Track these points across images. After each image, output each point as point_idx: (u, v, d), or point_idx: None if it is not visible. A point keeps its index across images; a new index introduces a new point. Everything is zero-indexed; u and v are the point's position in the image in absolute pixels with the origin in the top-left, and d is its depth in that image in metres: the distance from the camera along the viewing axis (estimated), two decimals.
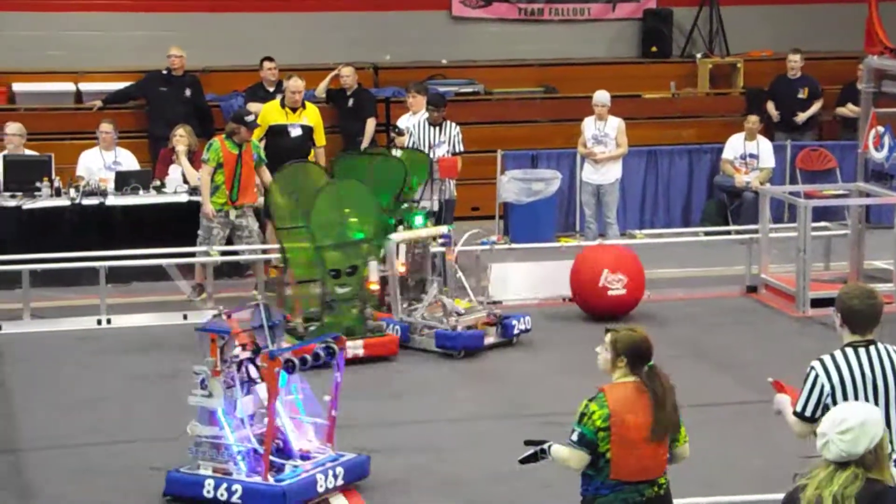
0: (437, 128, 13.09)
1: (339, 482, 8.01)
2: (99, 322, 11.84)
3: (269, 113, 13.19)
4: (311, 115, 13.20)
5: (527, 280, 12.44)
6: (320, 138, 13.22)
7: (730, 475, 8.34)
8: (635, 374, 5.77)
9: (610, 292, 11.67)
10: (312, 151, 13.61)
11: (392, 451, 8.89)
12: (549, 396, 9.84)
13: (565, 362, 10.69)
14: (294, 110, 13.09)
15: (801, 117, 16.09)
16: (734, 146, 15.25)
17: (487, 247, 12.48)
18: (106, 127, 13.99)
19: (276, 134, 13.10)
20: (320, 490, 7.87)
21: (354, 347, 10.48)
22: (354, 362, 10.32)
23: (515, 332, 11.23)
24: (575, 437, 5.75)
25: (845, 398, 5.80)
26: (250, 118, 12.74)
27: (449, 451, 8.95)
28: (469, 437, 9.23)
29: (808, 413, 5.86)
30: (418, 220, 11.51)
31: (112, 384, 10.33)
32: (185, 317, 12.03)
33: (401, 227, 11.42)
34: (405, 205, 11.69)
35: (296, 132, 13.08)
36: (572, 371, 10.30)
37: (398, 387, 10.31)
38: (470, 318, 11.07)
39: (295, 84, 13.15)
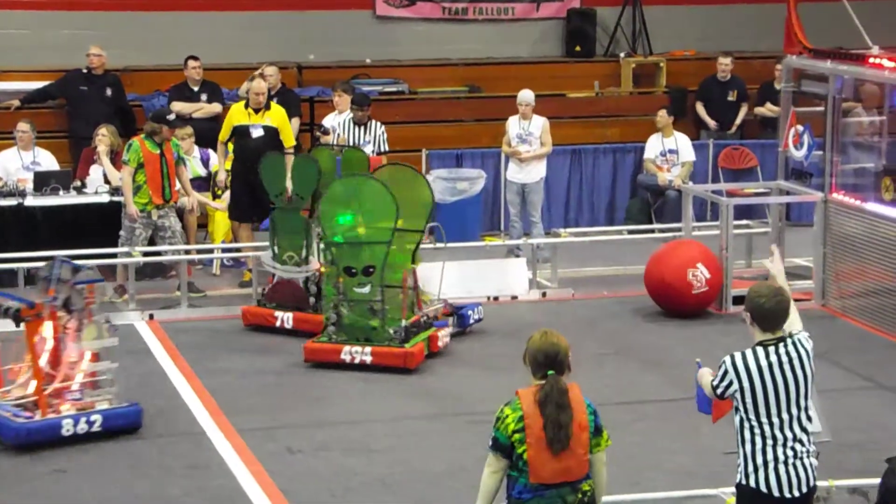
0: (363, 127, 13.05)
1: (95, 429, 8.95)
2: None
3: (234, 114, 13.13)
4: (276, 117, 13.10)
5: (454, 279, 12.41)
6: (288, 139, 13.09)
7: (655, 472, 8.39)
8: (537, 379, 5.78)
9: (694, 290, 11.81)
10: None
11: (322, 451, 8.87)
12: (478, 397, 9.86)
13: (495, 363, 10.72)
14: (257, 111, 13.01)
15: (735, 126, 16.27)
16: (653, 145, 15.37)
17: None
18: (23, 126, 13.81)
19: (239, 135, 13.03)
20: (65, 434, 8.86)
21: (362, 354, 10.43)
22: (361, 368, 10.35)
23: (470, 321, 11.48)
24: (491, 441, 5.77)
25: (753, 395, 5.91)
26: (171, 117, 12.68)
27: (381, 451, 8.93)
28: (401, 437, 9.20)
29: (718, 392, 6.04)
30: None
31: None
32: (106, 319, 11.87)
33: (319, 229, 11.29)
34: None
35: (257, 133, 12.99)
36: (503, 370, 10.35)
37: (327, 388, 10.27)
38: (431, 310, 11.14)
39: (258, 85, 13.08)
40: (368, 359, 10.46)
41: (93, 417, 9.05)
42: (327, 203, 10.77)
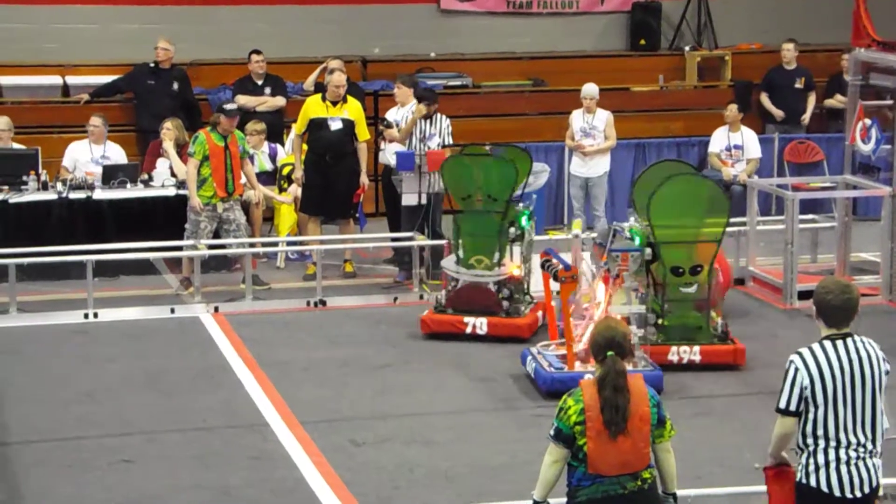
0: (429, 121, 13.08)
1: None
2: (86, 316, 11.81)
3: (310, 106, 13.21)
4: (353, 110, 13.19)
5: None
6: (363, 132, 13.21)
7: (718, 468, 8.35)
8: (598, 363, 5.81)
9: None
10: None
11: (385, 444, 8.92)
12: (534, 389, 9.87)
13: None
14: (335, 104, 13.11)
15: (806, 118, 16.13)
16: (719, 139, 15.26)
17: None
18: (96, 121, 13.98)
19: (316, 127, 13.11)
20: None
21: (690, 353, 10.38)
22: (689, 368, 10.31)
23: None
24: (552, 431, 5.79)
25: (824, 391, 5.87)
26: (229, 106, 12.73)
27: (443, 444, 8.96)
28: (463, 429, 9.23)
29: (791, 408, 5.93)
30: (523, 220, 11.41)
31: (100, 378, 10.31)
32: (172, 310, 12.04)
33: (512, 229, 11.31)
34: (520, 205, 11.58)
35: (336, 126, 13.09)
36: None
37: (389, 381, 10.31)
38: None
39: (339, 78, 13.16)
40: (697, 358, 10.35)
41: None
42: (657, 206, 10.40)
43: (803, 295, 11.76)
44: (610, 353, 5.77)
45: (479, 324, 11.08)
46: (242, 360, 10.75)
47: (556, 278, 9.81)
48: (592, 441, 5.71)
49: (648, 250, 10.35)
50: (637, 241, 10.41)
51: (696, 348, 10.34)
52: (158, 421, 9.39)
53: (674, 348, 10.34)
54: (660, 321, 10.41)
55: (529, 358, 10.03)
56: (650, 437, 5.79)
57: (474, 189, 11.44)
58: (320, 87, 14.18)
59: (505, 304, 11.26)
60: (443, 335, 11.14)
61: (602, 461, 5.72)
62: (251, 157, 13.22)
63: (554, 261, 10.03)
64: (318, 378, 10.33)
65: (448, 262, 11.50)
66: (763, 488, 6.28)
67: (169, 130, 13.79)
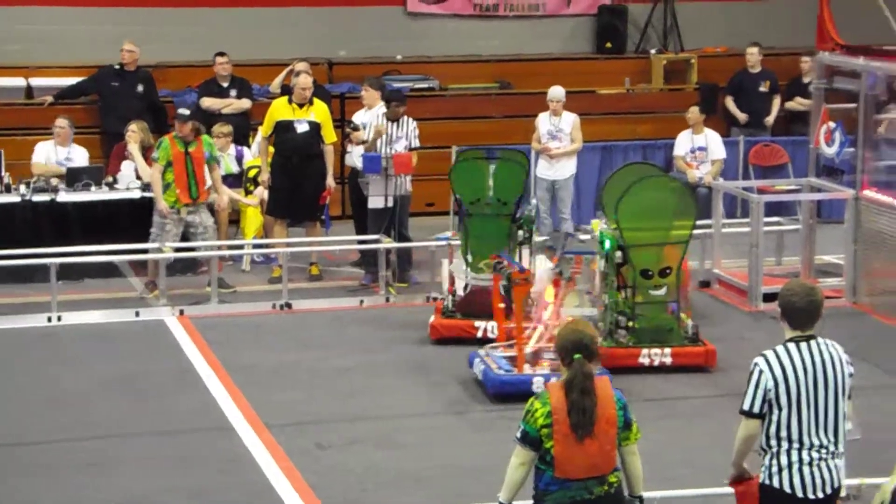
0: (395, 123, 13.06)
1: None
2: (49, 319, 11.74)
3: (276, 109, 13.19)
4: (319, 112, 13.18)
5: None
6: (329, 135, 13.20)
7: (686, 469, 8.37)
8: (565, 366, 5.81)
9: None
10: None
11: (352, 446, 8.90)
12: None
13: None
14: (301, 106, 13.09)
15: (770, 120, 16.21)
16: (683, 142, 15.31)
17: (443, 242, 12.49)
18: (62, 122, 13.91)
19: (283, 129, 13.09)
20: None
21: (662, 355, 10.37)
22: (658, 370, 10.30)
23: None
24: (519, 434, 5.79)
25: (788, 393, 5.91)
26: (182, 111, 12.67)
27: (411, 446, 8.95)
28: (430, 432, 9.23)
29: (755, 410, 5.96)
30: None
31: (65, 382, 10.25)
32: (137, 314, 11.98)
33: (520, 232, 11.27)
34: (529, 208, 11.61)
35: (302, 128, 13.07)
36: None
37: (356, 384, 10.29)
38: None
39: (305, 80, 13.15)
40: (669, 360, 10.35)
41: None
42: (626, 209, 10.41)
43: (768, 297, 11.81)
44: (577, 355, 5.77)
45: (490, 328, 10.94)
46: (208, 363, 10.71)
47: (509, 281, 9.80)
48: (559, 444, 5.71)
49: (619, 253, 10.38)
50: (607, 244, 10.44)
51: (668, 350, 10.36)
52: (125, 425, 9.34)
53: (645, 350, 10.36)
54: (630, 324, 10.42)
55: (478, 360, 9.96)
56: (616, 440, 5.79)
57: (484, 192, 11.42)
58: (286, 90, 14.15)
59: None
60: (452, 340, 11.01)
61: (569, 464, 5.72)
62: (218, 162, 13.17)
63: (506, 263, 10.03)
64: (285, 381, 10.30)
65: (457, 267, 11.45)
66: (730, 490, 6.31)
67: (134, 133, 13.72)
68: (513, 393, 9.40)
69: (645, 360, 10.35)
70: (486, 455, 8.47)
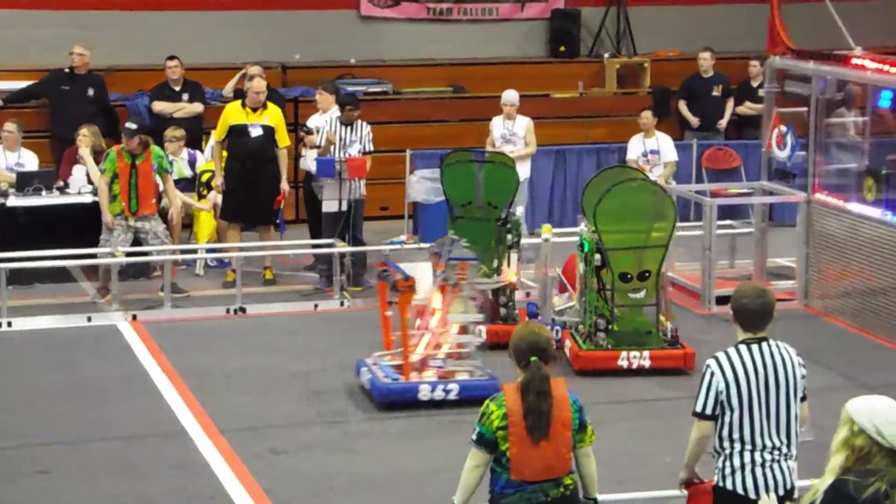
0: (349, 127, 13.04)
1: (452, 397, 9.45)
2: (0, 325, 11.62)
3: (230, 113, 13.13)
4: (273, 116, 13.13)
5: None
6: (283, 139, 13.15)
7: (641, 472, 8.40)
8: (521, 369, 5.79)
9: None
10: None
11: (305, 451, 8.87)
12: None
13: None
14: (255, 110, 13.03)
15: (723, 123, 16.31)
16: (635, 146, 15.37)
17: (397, 246, 12.47)
18: (10, 126, 13.79)
19: (236, 134, 13.03)
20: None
21: (640, 358, 10.33)
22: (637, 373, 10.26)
23: None
24: (474, 436, 5.77)
25: (739, 394, 5.94)
26: (129, 125, 12.54)
27: (364, 451, 8.93)
28: (384, 436, 9.21)
29: (707, 411, 5.99)
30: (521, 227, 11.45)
31: (16, 388, 10.16)
32: (89, 319, 11.89)
33: (509, 236, 11.28)
34: (517, 212, 11.60)
35: (256, 132, 13.02)
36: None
37: (309, 389, 10.25)
38: None
39: (259, 84, 13.10)
40: (647, 363, 10.34)
41: (450, 386, 9.48)
42: (605, 212, 10.41)
43: (721, 300, 11.86)
44: (533, 357, 5.76)
45: (479, 332, 10.86)
46: (161, 368, 10.64)
47: (394, 288, 9.72)
48: (515, 446, 5.70)
49: (598, 256, 10.40)
50: (586, 247, 10.45)
51: (646, 353, 10.38)
52: (77, 430, 9.27)
53: (624, 353, 10.38)
54: (610, 326, 10.45)
55: (364, 369, 9.86)
56: (572, 443, 5.79)
57: (474, 195, 11.39)
58: (240, 94, 14.10)
59: (502, 311, 11.21)
60: None
61: (525, 466, 5.72)
62: (169, 171, 13.05)
63: (391, 270, 9.95)
64: (238, 386, 10.25)
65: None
66: (682, 493, 6.33)
67: (85, 137, 13.62)
68: (399, 401, 9.43)
69: (623, 363, 10.37)
70: (440, 458, 8.46)
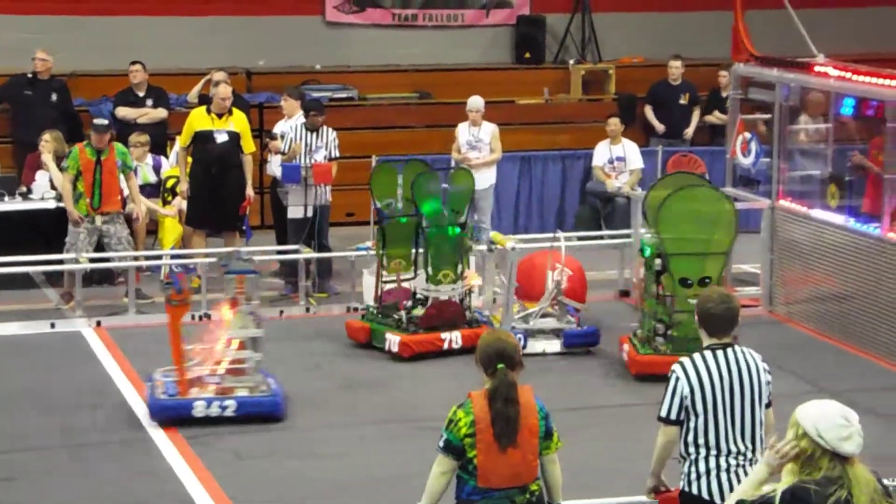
0: (315, 133, 13.02)
1: (228, 413, 9.29)
2: None
3: (195, 119, 13.07)
4: (238, 122, 13.09)
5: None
6: (248, 145, 13.11)
7: (609, 477, 8.42)
8: (488, 375, 5.79)
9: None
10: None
11: (271, 457, 8.84)
12: (427, 402, 9.86)
13: (448, 368, 10.73)
14: (220, 116, 12.99)
15: (689, 132, 16.38)
16: (601, 152, 15.43)
17: (363, 252, 12.45)
18: None
19: (202, 140, 12.97)
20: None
21: None
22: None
23: None
24: (441, 443, 5.76)
25: (703, 399, 5.97)
26: (99, 121, 12.54)
27: (331, 456, 8.90)
28: (351, 442, 9.19)
29: (672, 416, 6.02)
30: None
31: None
32: (52, 325, 11.81)
33: (468, 241, 11.37)
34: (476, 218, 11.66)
35: (222, 138, 12.97)
36: (452, 377, 10.37)
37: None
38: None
39: (224, 90, 13.05)
40: None
41: (226, 402, 9.31)
42: (666, 217, 10.41)
43: None
44: (500, 364, 5.76)
45: (455, 338, 10.99)
46: (125, 374, 10.58)
47: (167, 301, 9.52)
48: (482, 454, 5.69)
49: (658, 261, 10.44)
50: (646, 252, 10.51)
51: None
52: (38, 438, 9.20)
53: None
54: (669, 332, 10.46)
55: (149, 383, 9.66)
56: (538, 449, 5.80)
57: (440, 204, 11.36)
58: (205, 99, 14.06)
59: (467, 314, 11.24)
60: (424, 354, 10.91)
61: (492, 473, 5.71)
62: (135, 170, 13.03)
63: (174, 281, 9.67)
64: None
65: (421, 283, 11.23)
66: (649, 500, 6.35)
67: (48, 142, 13.54)
68: (174, 417, 9.31)
69: None
70: (405, 464, 8.46)
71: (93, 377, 10.52)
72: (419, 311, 11.05)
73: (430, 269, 11.14)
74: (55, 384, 10.33)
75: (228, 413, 9.30)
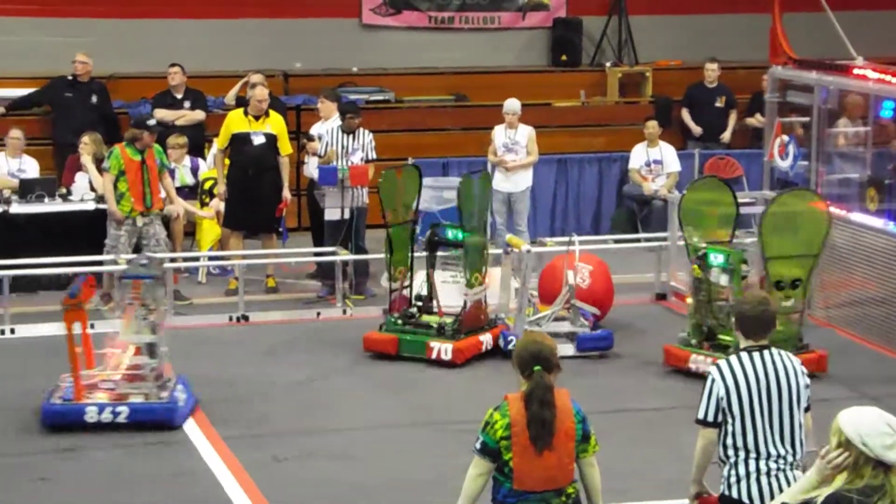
0: (351, 135, 13.06)
1: (121, 419, 9.24)
2: (2, 332, 11.62)
3: (232, 121, 13.15)
4: (275, 124, 13.16)
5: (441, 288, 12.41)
6: (285, 147, 13.19)
7: (640, 482, 8.40)
8: (525, 378, 5.79)
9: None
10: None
11: (307, 459, 8.87)
12: (461, 404, 9.87)
13: (479, 371, 10.74)
14: (257, 118, 13.06)
15: (726, 135, 16.32)
16: (638, 155, 15.40)
17: None
18: (16, 133, 13.82)
19: (239, 142, 13.05)
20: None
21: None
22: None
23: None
24: (478, 445, 5.76)
25: (740, 401, 5.96)
26: (152, 122, 12.66)
27: (365, 459, 8.92)
28: (385, 445, 9.20)
29: (709, 418, 6.01)
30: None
31: (17, 394, 10.13)
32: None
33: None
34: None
35: (259, 140, 13.05)
36: (488, 379, 10.38)
37: (312, 396, 10.25)
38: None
39: (261, 93, 13.13)
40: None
41: (119, 409, 9.26)
42: (768, 221, 10.59)
43: None
44: (537, 367, 5.76)
45: (487, 340, 11.10)
46: None
47: (62, 304, 9.46)
48: (518, 456, 5.70)
49: (745, 267, 10.51)
50: (722, 259, 10.60)
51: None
52: (77, 438, 9.25)
53: None
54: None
55: (52, 387, 9.59)
56: (575, 453, 5.79)
57: (475, 208, 11.44)
58: (242, 102, 14.13)
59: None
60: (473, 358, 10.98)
61: (528, 476, 5.72)
62: (171, 171, 13.12)
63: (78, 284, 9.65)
64: (241, 393, 10.25)
65: (463, 289, 11.18)
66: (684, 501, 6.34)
67: (87, 144, 13.64)
68: (64, 423, 9.27)
69: None
70: (440, 468, 8.47)
71: None
72: (448, 319, 11.06)
73: (467, 272, 11.13)
74: None
75: (121, 419, 9.25)
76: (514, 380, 5.83)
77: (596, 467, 5.90)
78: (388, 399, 10.19)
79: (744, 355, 6.02)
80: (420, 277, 11.48)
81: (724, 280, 10.63)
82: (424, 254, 11.48)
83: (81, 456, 8.95)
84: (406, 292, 11.39)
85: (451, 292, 11.32)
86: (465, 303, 11.11)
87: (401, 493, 8.35)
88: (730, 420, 5.96)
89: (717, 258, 10.65)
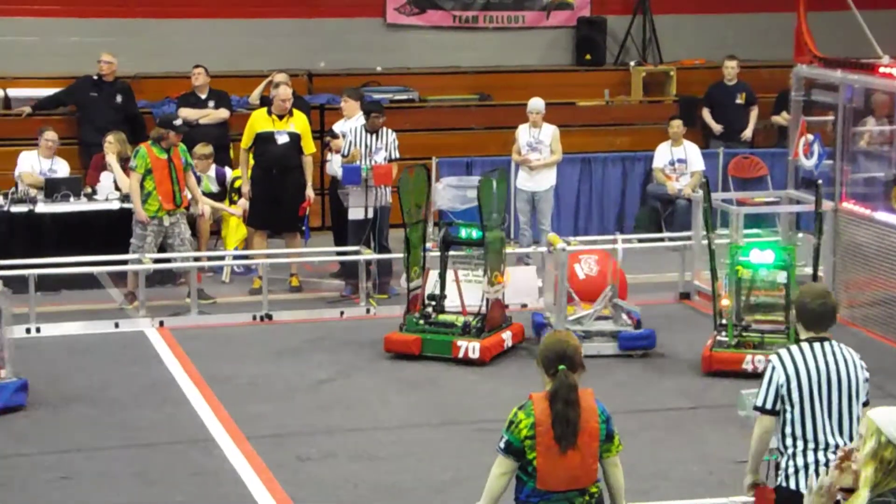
0: (375, 135, 13.06)
1: None
2: (28, 331, 11.67)
3: (256, 120, 13.20)
4: (299, 123, 13.20)
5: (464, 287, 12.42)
6: (308, 146, 13.22)
7: (664, 481, 8.38)
8: (549, 377, 5.78)
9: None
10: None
11: (330, 459, 8.88)
12: (484, 404, 9.86)
13: (503, 370, 10.73)
14: (281, 118, 13.11)
15: (747, 133, 16.25)
16: (662, 154, 15.36)
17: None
18: (51, 135, 13.90)
19: (263, 141, 13.09)
20: None
21: None
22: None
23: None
24: (502, 444, 5.75)
25: (800, 389, 6.00)
26: (178, 122, 12.71)
27: (388, 459, 8.93)
28: (408, 445, 9.21)
29: (768, 406, 6.04)
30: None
31: (42, 393, 10.17)
32: (116, 325, 11.93)
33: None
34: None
35: (283, 139, 13.09)
36: (511, 378, 10.37)
37: (335, 396, 10.27)
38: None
39: (284, 92, 13.16)
40: None
41: None
42: None
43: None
44: (561, 366, 5.75)
45: (508, 337, 11.16)
46: (188, 374, 10.67)
47: None
48: (542, 456, 5.69)
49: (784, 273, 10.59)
50: (774, 256, 10.68)
51: None
52: (101, 437, 9.29)
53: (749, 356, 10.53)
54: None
55: None
56: (598, 452, 5.78)
57: (497, 208, 11.48)
58: (266, 101, 14.15)
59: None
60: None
61: (551, 476, 5.71)
62: (194, 170, 13.16)
63: None
64: (264, 393, 10.27)
65: (486, 286, 11.21)
66: (712, 500, 6.32)
67: (112, 144, 13.68)
68: None
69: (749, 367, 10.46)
70: (462, 468, 8.47)
71: (155, 377, 10.61)
72: (471, 318, 11.06)
73: (488, 271, 11.13)
74: (118, 384, 10.44)
75: None
76: (537, 379, 5.82)
77: (619, 467, 5.89)
78: (411, 398, 10.19)
79: (804, 345, 6.08)
80: (433, 277, 11.48)
81: (781, 278, 10.60)
82: (439, 253, 11.48)
83: (103, 455, 8.98)
84: (420, 292, 11.38)
85: (467, 291, 11.31)
86: (486, 301, 11.10)
87: (423, 493, 8.35)
88: (788, 408, 5.99)
89: (764, 256, 10.60)
